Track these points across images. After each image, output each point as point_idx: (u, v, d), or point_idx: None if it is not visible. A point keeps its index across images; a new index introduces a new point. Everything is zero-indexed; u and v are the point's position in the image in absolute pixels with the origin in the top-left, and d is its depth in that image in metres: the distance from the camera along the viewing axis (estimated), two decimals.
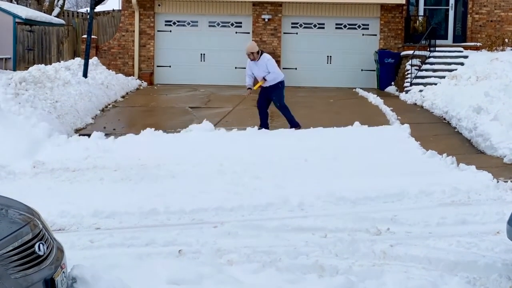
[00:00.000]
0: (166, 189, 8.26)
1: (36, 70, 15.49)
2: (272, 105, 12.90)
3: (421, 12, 20.50)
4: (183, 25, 21.22)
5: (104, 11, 29.16)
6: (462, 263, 5.60)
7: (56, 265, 4.23)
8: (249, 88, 12.99)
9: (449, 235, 6.38)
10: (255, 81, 12.96)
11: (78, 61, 18.17)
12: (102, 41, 22.60)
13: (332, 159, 9.88)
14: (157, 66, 21.31)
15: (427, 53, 18.75)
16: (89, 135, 11.85)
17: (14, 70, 22.87)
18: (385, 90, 19.33)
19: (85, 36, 19.05)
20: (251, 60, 12.70)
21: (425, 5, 20.61)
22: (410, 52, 18.66)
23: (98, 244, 6.28)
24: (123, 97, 17.83)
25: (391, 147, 10.85)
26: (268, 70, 12.58)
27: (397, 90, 18.69)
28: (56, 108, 13.23)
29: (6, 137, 10.65)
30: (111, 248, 6.17)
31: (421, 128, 12.95)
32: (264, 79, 12.67)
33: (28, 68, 17.43)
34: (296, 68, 20.93)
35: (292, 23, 20.96)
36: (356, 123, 12.39)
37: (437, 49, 18.97)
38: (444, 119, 14.09)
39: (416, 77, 17.86)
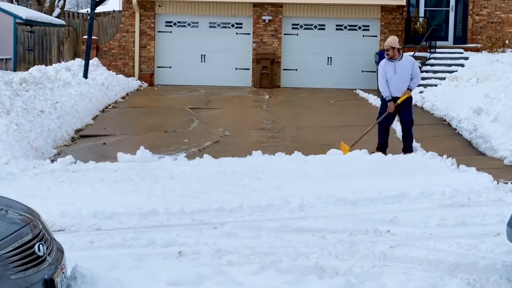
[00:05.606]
0: (166, 190, 8.25)
1: (36, 70, 15.53)
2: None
3: (421, 14, 20.49)
4: (184, 26, 21.22)
5: (104, 12, 29.15)
6: (462, 264, 5.60)
7: (56, 265, 4.23)
8: (389, 100, 10.02)
9: (449, 237, 6.37)
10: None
11: (79, 62, 18.20)
12: (102, 42, 22.60)
13: (331, 160, 9.88)
14: (158, 67, 21.30)
15: (427, 55, 18.75)
16: (89, 136, 11.82)
17: (15, 70, 22.87)
18: None
19: (85, 36, 19.06)
20: (390, 59, 9.95)
21: (425, 6, 20.60)
22: (411, 53, 18.52)
23: (98, 244, 6.28)
24: (123, 98, 17.84)
25: (391, 148, 10.84)
26: (412, 76, 9.90)
27: None
28: (56, 108, 13.24)
29: None
30: (111, 249, 6.17)
31: (421, 129, 12.94)
32: (409, 89, 10.02)
33: (28, 68, 17.50)
34: (296, 69, 20.93)
35: (293, 24, 20.96)
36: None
37: (437, 50, 18.97)
38: (445, 120, 14.09)
39: None
